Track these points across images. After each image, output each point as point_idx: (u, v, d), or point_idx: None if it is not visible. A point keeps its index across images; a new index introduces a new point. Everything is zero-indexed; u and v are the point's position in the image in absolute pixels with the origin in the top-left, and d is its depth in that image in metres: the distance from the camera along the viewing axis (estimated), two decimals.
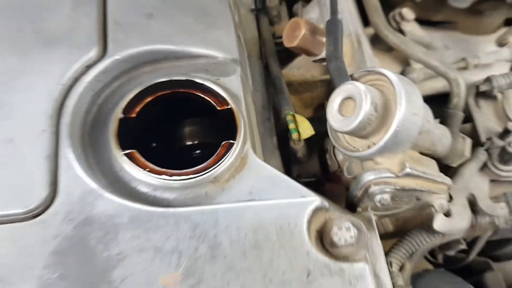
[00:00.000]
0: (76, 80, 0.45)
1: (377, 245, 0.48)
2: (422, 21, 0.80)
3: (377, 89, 0.47)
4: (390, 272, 0.55)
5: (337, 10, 0.55)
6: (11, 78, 0.44)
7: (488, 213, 0.62)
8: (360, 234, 0.42)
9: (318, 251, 0.40)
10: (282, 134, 0.61)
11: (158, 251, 0.38)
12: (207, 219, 0.40)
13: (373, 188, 0.49)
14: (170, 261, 0.38)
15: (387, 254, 0.61)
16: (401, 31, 0.70)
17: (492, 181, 0.65)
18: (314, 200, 0.42)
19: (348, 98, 0.47)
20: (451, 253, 0.72)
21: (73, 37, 0.47)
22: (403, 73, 0.67)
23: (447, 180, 0.53)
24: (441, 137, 0.52)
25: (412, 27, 0.69)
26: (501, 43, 0.72)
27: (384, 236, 0.68)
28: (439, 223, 0.61)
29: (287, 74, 0.71)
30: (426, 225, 0.63)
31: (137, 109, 0.46)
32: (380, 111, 0.45)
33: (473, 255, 0.67)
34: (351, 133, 0.46)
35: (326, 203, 0.43)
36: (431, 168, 0.52)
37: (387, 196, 0.49)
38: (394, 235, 0.66)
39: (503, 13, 0.78)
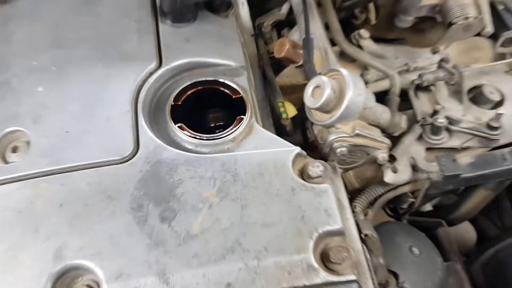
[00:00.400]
0: (144, 81, 0.71)
1: (339, 182, 0.72)
2: (379, 39, 1.06)
3: (335, 80, 0.73)
4: (354, 212, 0.80)
5: (309, 32, 0.81)
6: (105, 81, 0.70)
7: (425, 170, 0.87)
8: (326, 170, 0.67)
9: (299, 178, 0.65)
10: (275, 121, 0.87)
11: (201, 178, 0.63)
12: (230, 159, 0.65)
13: (335, 144, 0.74)
14: (209, 183, 0.63)
15: (352, 201, 0.86)
16: (360, 47, 0.96)
17: (427, 149, 0.90)
18: (296, 149, 0.67)
19: (317, 86, 0.72)
20: (404, 206, 0.96)
21: (141, 55, 0.73)
22: (361, 75, 0.93)
23: (386, 140, 0.78)
24: (382, 112, 0.78)
25: (367, 43, 0.95)
26: (434, 51, 0.98)
27: (351, 193, 0.92)
28: (388, 176, 0.85)
29: (279, 81, 0.97)
30: (380, 181, 0.88)
31: (182, 99, 0.72)
32: (337, 94, 0.71)
33: (419, 200, 0.90)
34: (319, 109, 0.72)
35: (304, 152, 0.68)
36: (374, 132, 0.77)
37: (344, 149, 0.74)
38: (359, 192, 0.91)
39: (440, 30, 1.03)
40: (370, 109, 0.73)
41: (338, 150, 0.73)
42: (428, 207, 1.14)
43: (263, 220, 0.61)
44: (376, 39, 1.02)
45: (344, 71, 0.71)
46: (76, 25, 0.77)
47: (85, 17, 0.78)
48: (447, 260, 1.02)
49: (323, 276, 0.58)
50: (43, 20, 0.78)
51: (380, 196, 0.86)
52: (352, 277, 0.59)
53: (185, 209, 0.61)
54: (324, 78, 0.70)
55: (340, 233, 0.62)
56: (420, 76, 0.87)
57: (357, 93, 0.69)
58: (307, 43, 0.77)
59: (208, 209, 0.61)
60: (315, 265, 0.58)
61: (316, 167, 0.66)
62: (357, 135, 0.72)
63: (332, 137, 0.72)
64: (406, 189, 0.87)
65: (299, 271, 0.59)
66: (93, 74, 0.72)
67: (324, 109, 0.71)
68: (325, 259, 0.60)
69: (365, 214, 0.86)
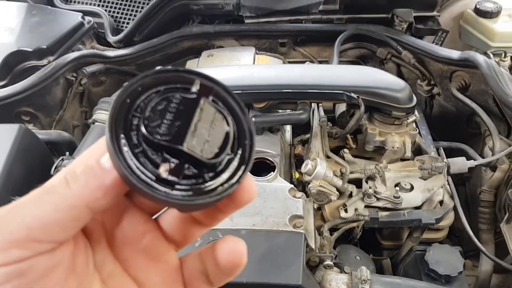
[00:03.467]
0: None
1: (310, 203, 1.64)
2: (360, 156, 2.02)
3: (315, 162, 1.70)
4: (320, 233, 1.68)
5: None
6: None
7: (362, 214, 1.73)
8: (303, 195, 1.61)
9: (290, 195, 1.59)
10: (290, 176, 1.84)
11: None
12: (264, 185, 1.63)
13: (311, 189, 1.66)
14: None
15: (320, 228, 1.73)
16: (343, 157, 1.92)
17: (365, 206, 1.77)
18: (291, 186, 1.62)
19: (307, 164, 1.70)
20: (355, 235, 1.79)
21: None
22: (340, 170, 1.87)
23: (335, 190, 1.68)
24: (336, 180, 1.70)
25: (347, 155, 1.91)
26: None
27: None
28: (342, 214, 1.74)
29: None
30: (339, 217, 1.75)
31: None
32: (314, 168, 1.67)
33: (360, 230, 1.75)
34: (307, 173, 1.68)
35: (294, 187, 1.63)
36: (330, 187, 1.68)
37: (315, 191, 1.65)
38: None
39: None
40: (327, 176, 1.68)
41: (312, 191, 1.67)
42: None
43: (271, 206, 1.56)
44: (358, 156, 1.99)
45: (318, 160, 1.69)
46: None
47: None
48: None
49: (290, 228, 1.50)
50: None
51: (339, 225, 1.75)
52: (302, 231, 1.50)
53: None
54: (310, 161, 1.69)
55: (301, 217, 1.53)
56: (366, 170, 1.80)
57: (320, 168, 1.66)
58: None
59: None
60: (288, 223, 1.51)
61: (299, 192, 1.61)
62: (320, 186, 1.67)
63: (309, 185, 1.67)
64: (353, 224, 1.75)
65: (282, 224, 1.51)
66: None
67: (308, 173, 1.68)
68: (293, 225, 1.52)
69: (331, 234, 1.75)
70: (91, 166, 0.41)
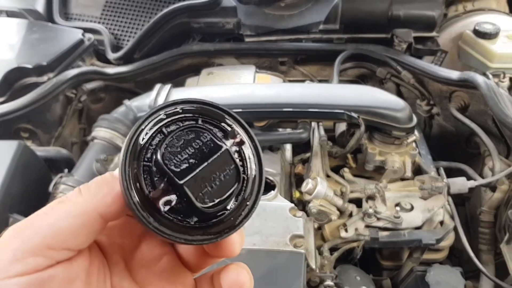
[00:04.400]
0: None
1: (310, 223, 1.62)
2: (360, 176, 2.01)
3: (315, 181, 1.69)
4: (320, 253, 1.66)
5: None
6: None
7: (362, 234, 1.72)
8: (303, 214, 1.60)
9: (291, 214, 1.58)
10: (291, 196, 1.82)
11: None
12: (265, 204, 1.61)
13: (312, 208, 1.65)
14: None
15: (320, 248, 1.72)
16: (343, 176, 1.91)
17: (366, 226, 1.76)
18: (291, 204, 1.62)
19: (308, 183, 1.69)
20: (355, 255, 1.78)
21: None
22: (340, 189, 1.86)
23: (335, 210, 1.67)
24: (337, 200, 1.69)
25: (347, 175, 1.90)
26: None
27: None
28: (342, 234, 1.73)
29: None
30: (339, 237, 1.74)
31: None
32: (314, 187, 1.66)
33: (360, 249, 1.74)
34: (307, 192, 1.67)
35: (295, 206, 1.62)
36: (331, 206, 1.67)
37: (315, 211, 1.64)
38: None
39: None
40: (328, 196, 1.67)
41: (312, 210, 1.66)
42: None
43: (271, 225, 1.55)
44: (358, 176, 1.98)
45: (318, 179, 1.68)
46: None
47: None
48: None
49: (291, 247, 1.48)
50: None
51: (339, 245, 1.73)
52: (302, 251, 1.48)
53: None
54: (311, 180, 1.68)
55: (301, 236, 1.52)
56: (366, 190, 1.80)
57: (321, 187, 1.66)
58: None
59: None
60: (288, 243, 1.49)
61: (299, 211, 1.60)
62: (320, 205, 1.65)
63: (310, 204, 1.66)
64: (353, 244, 1.74)
65: (282, 244, 1.49)
66: None
67: (308, 192, 1.67)
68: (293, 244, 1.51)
69: (331, 254, 1.73)
70: (104, 176, 0.44)
